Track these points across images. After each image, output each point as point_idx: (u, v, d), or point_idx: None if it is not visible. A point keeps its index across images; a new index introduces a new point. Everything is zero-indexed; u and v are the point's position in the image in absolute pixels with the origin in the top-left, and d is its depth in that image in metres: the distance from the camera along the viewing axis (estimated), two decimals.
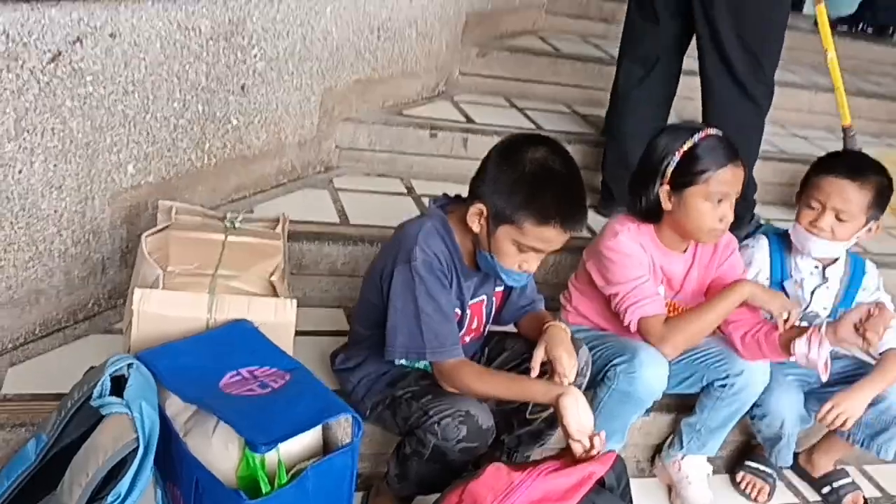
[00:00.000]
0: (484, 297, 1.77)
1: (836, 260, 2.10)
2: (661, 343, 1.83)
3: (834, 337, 1.79)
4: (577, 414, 1.54)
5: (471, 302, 1.73)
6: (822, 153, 3.58)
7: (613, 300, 1.90)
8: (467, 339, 1.77)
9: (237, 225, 1.84)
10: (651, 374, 1.80)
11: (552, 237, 1.57)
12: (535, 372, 1.66)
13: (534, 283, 1.87)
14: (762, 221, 2.84)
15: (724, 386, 1.94)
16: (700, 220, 1.85)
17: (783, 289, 2.10)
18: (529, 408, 1.71)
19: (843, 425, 1.93)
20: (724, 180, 1.83)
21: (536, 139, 1.62)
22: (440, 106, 3.18)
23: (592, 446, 1.53)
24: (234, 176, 2.38)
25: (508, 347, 1.84)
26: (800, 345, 1.80)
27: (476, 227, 1.61)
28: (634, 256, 1.88)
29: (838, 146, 3.84)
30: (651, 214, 1.91)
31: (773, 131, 3.47)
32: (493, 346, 1.87)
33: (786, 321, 1.87)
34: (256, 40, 2.27)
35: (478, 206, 1.59)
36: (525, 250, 1.59)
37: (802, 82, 4.18)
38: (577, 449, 1.54)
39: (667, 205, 1.87)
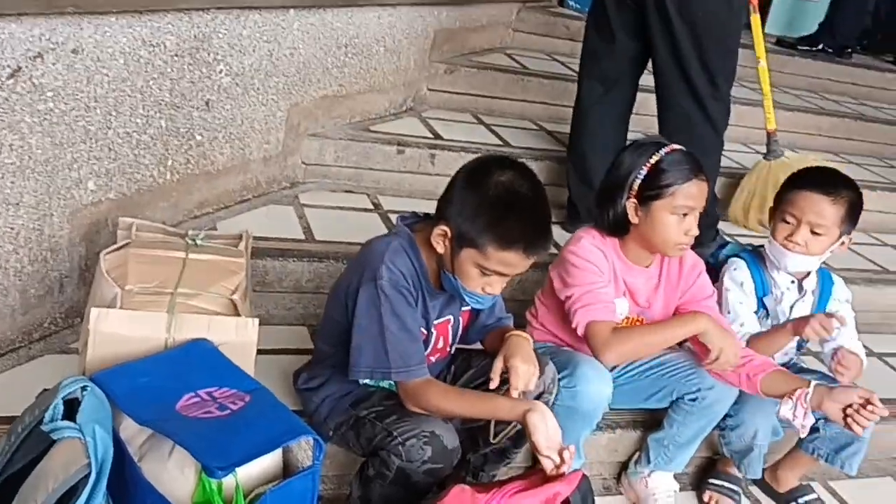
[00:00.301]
0: (450, 316, 1.76)
1: (809, 273, 2.13)
2: (603, 349, 1.82)
3: (816, 405, 1.78)
4: (545, 430, 1.53)
5: (436, 322, 1.72)
6: None
7: (567, 303, 1.89)
8: (433, 358, 1.75)
9: (199, 242, 1.81)
10: (592, 388, 1.80)
11: (515, 262, 1.56)
12: (493, 383, 1.65)
13: (502, 301, 1.86)
14: (727, 238, 2.88)
15: (694, 400, 1.95)
16: (666, 233, 1.87)
17: (764, 305, 2.12)
18: (492, 431, 1.70)
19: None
20: (690, 194, 1.85)
21: (504, 162, 1.61)
22: (407, 122, 3.18)
23: (563, 461, 1.52)
24: (198, 192, 2.35)
25: (475, 365, 1.83)
26: (785, 410, 1.80)
27: (440, 249, 1.60)
28: (595, 262, 1.89)
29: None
30: (618, 227, 1.93)
31: (735, 148, 3.52)
32: (459, 364, 1.86)
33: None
34: (222, 56, 2.25)
35: (441, 228, 1.58)
36: (488, 273, 1.58)
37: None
38: (548, 465, 1.52)
39: (634, 218, 1.89)
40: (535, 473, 1.54)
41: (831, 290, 2.15)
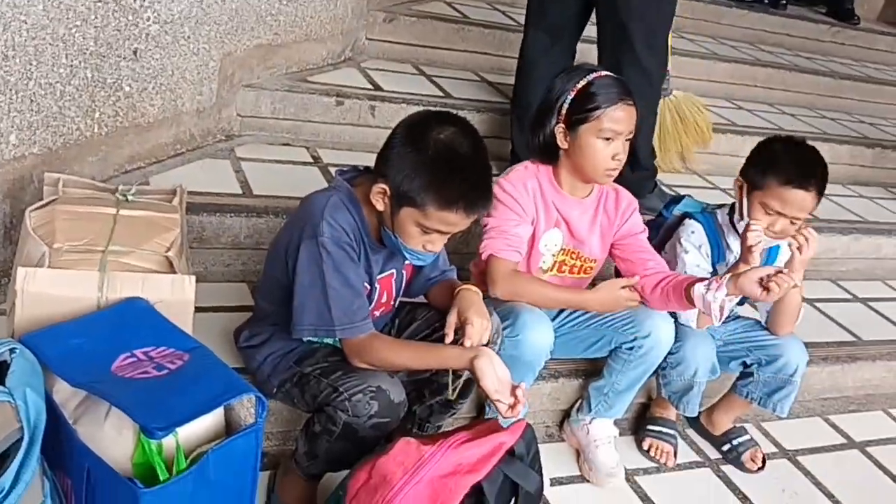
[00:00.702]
0: (393, 270, 1.74)
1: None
2: (496, 284, 1.85)
3: (734, 287, 1.82)
4: (493, 374, 1.55)
5: (379, 276, 1.70)
6: (721, 120, 3.73)
7: (483, 231, 1.92)
8: (377, 313, 1.74)
9: (130, 198, 1.74)
10: (534, 335, 1.82)
11: (455, 221, 1.55)
12: (449, 338, 1.64)
13: (445, 253, 1.85)
14: (663, 187, 2.92)
15: (631, 349, 1.98)
16: (594, 158, 1.88)
17: (715, 271, 2.13)
18: (449, 388, 1.70)
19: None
20: (616, 118, 1.86)
21: (445, 118, 1.58)
22: (346, 73, 3.11)
23: (517, 400, 1.54)
24: (128, 146, 2.27)
25: (419, 317, 1.82)
26: (699, 287, 1.84)
27: (380, 206, 1.57)
28: (518, 199, 1.90)
29: (738, 115, 3.99)
30: (547, 152, 1.94)
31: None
32: (403, 317, 1.85)
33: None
34: (149, 2, 2.15)
35: (381, 186, 1.55)
36: (429, 232, 1.56)
37: (701, 51, 4.28)
38: (502, 408, 1.55)
39: (563, 143, 1.90)
40: (480, 424, 1.55)
41: (777, 255, 2.17)
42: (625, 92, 1.88)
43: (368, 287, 1.67)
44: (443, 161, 1.51)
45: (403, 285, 1.80)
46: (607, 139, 1.86)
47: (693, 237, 2.13)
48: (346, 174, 1.68)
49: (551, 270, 2.03)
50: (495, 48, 3.58)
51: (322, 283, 1.55)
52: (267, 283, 1.74)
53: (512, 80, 2.86)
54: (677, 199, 2.29)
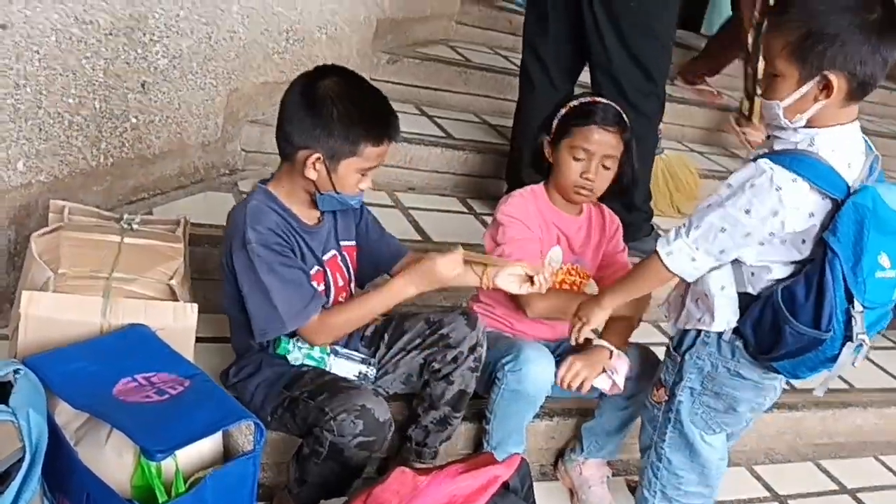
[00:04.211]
0: (334, 251, 1.81)
1: None
2: (528, 307, 1.93)
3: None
4: (449, 263, 1.70)
5: (325, 258, 1.77)
6: (716, 167, 3.75)
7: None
8: (341, 298, 1.80)
9: (134, 226, 1.77)
10: (536, 370, 1.83)
11: (385, 150, 1.69)
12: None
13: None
14: (661, 232, 2.95)
15: None
16: (566, 173, 1.94)
17: None
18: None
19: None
20: (589, 137, 1.90)
21: (322, 72, 1.69)
22: None
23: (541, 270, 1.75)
24: (133, 177, 2.30)
25: (409, 328, 1.84)
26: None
27: (313, 175, 1.65)
28: (522, 218, 1.95)
29: (732, 163, 4.04)
30: (536, 165, 2.02)
31: (669, 145, 3.59)
32: (392, 332, 1.86)
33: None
34: (159, 37, 2.20)
35: (314, 156, 1.63)
36: (365, 173, 1.69)
37: (696, 99, 4.34)
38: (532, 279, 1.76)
39: (548, 155, 1.98)
40: (476, 457, 1.56)
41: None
42: (608, 118, 1.92)
43: (322, 270, 1.75)
44: (359, 104, 1.64)
45: (352, 265, 1.87)
46: (578, 158, 1.91)
47: None
48: (263, 181, 1.76)
49: None
50: (496, 91, 3.65)
51: (262, 285, 1.61)
52: (232, 322, 1.78)
53: (511, 122, 2.90)
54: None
